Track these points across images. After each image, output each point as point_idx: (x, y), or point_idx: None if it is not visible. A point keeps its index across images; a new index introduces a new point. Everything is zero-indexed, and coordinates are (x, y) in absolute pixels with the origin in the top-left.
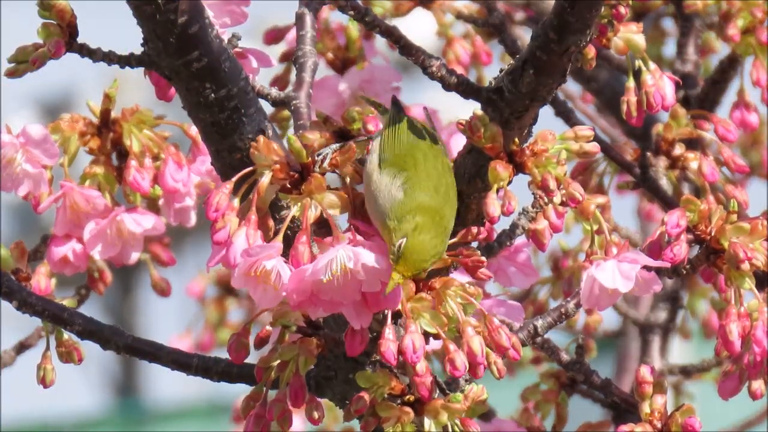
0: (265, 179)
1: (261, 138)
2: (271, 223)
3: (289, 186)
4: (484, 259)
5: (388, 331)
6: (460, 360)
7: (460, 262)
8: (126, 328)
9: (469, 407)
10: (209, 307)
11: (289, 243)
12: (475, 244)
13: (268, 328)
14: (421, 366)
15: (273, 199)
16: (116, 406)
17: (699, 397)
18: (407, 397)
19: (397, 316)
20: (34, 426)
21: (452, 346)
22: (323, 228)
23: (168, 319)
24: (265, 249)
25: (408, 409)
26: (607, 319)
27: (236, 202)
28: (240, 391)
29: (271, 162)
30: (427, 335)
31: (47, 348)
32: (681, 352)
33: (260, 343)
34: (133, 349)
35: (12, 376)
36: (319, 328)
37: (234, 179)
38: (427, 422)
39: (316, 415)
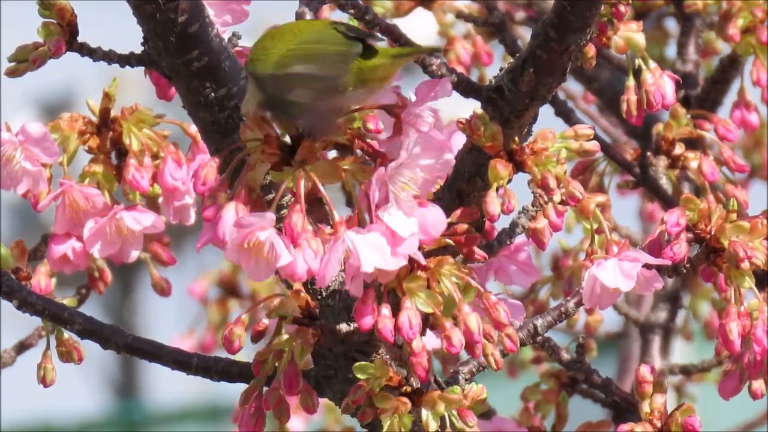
0: (255, 155)
1: (249, 114)
2: (263, 203)
3: (280, 163)
4: (477, 234)
5: (384, 309)
6: (457, 337)
7: (453, 240)
8: (126, 328)
9: (468, 407)
10: (211, 308)
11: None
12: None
13: (264, 321)
14: (417, 343)
15: (269, 184)
16: (116, 408)
17: (701, 398)
18: (404, 388)
19: (392, 294)
20: (34, 426)
21: (448, 324)
22: (315, 205)
23: (168, 319)
24: (258, 220)
25: (405, 399)
26: (609, 321)
27: (225, 177)
28: (241, 391)
29: (261, 137)
30: (424, 329)
31: (47, 347)
32: (683, 353)
33: (257, 336)
34: (133, 348)
35: (12, 376)
36: (316, 318)
37: (223, 154)
38: (425, 413)
39: (310, 403)
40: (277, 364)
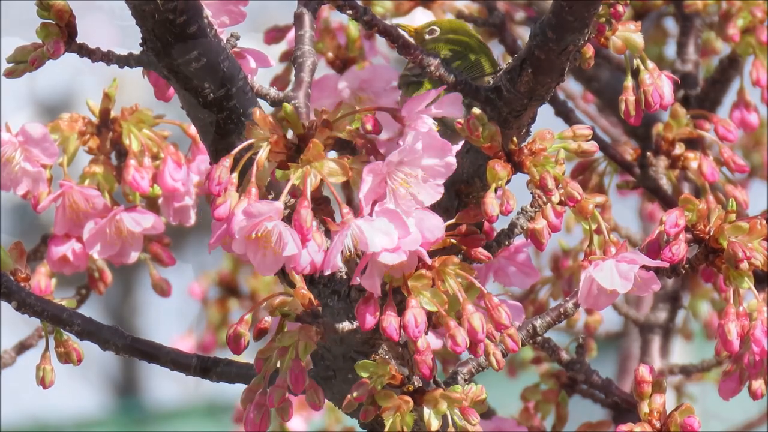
0: (263, 153)
1: (257, 111)
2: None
3: (286, 161)
4: (481, 236)
5: (389, 308)
6: (461, 336)
7: (458, 241)
8: (126, 328)
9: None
10: (211, 308)
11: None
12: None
13: (267, 319)
14: (422, 342)
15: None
16: (116, 407)
17: (701, 398)
18: (407, 386)
19: (398, 293)
20: (34, 426)
21: (452, 323)
22: (321, 205)
23: (168, 319)
24: (267, 208)
25: (408, 398)
26: (609, 321)
27: (235, 177)
28: (241, 391)
29: (268, 135)
30: (426, 329)
31: (46, 348)
32: (683, 353)
33: (259, 334)
34: (132, 349)
35: (12, 376)
36: (319, 316)
37: (233, 153)
38: (427, 412)
39: (316, 399)
40: (279, 362)
